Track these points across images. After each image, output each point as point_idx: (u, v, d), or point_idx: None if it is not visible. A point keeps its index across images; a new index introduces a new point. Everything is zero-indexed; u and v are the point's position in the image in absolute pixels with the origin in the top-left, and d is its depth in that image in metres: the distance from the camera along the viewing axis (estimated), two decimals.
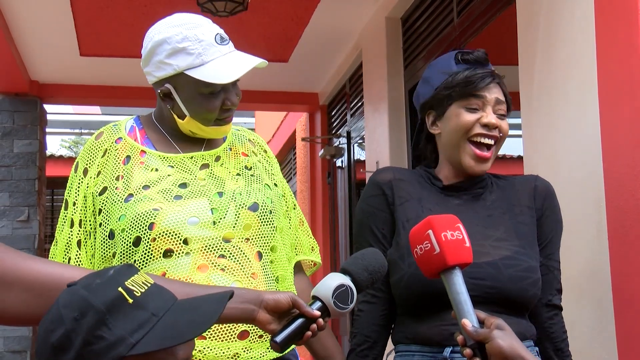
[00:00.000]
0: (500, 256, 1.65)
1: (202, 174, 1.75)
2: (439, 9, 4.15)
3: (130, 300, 1.11)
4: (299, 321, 1.43)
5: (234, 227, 1.69)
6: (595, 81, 2.29)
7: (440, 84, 1.73)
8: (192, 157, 1.77)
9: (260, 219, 1.73)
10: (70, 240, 1.74)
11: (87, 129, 11.48)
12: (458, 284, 1.45)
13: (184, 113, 1.74)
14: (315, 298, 1.46)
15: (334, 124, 6.66)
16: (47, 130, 6.62)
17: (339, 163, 6.46)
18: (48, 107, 6.62)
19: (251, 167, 1.83)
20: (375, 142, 4.97)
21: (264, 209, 1.74)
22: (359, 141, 5.93)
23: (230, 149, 1.85)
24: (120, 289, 1.12)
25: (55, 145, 13.10)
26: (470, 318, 1.43)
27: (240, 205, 1.72)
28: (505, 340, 1.38)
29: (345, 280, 1.46)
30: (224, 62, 1.69)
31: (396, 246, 1.72)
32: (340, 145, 6.33)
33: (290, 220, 1.90)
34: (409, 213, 1.73)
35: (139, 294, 1.13)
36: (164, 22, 1.75)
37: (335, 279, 1.46)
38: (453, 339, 1.62)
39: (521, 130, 2.85)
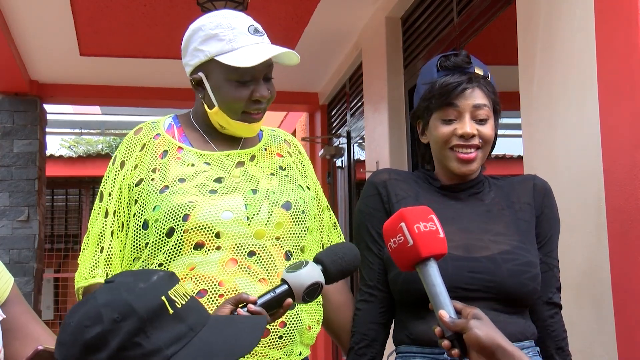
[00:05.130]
0: (499, 250, 1.66)
1: (237, 172, 1.77)
2: (439, 9, 4.15)
3: (171, 311, 1.11)
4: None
5: (266, 224, 1.70)
6: (595, 81, 2.29)
7: (423, 94, 1.76)
8: (228, 155, 1.79)
9: (293, 218, 1.75)
10: (104, 230, 1.75)
11: (87, 128, 11.45)
12: (433, 276, 1.44)
13: (213, 103, 1.75)
14: (284, 282, 1.48)
15: (334, 124, 6.67)
16: (47, 130, 6.63)
17: (339, 163, 6.47)
18: (48, 107, 6.63)
19: (285, 168, 1.85)
20: (375, 141, 4.97)
21: (296, 208, 1.76)
22: (359, 141, 5.93)
23: (266, 149, 1.86)
24: (163, 297, 1.11)
25: (55, 145, 13.10)
26: (447, 309, 1.42)
27: (273, 203, 1.73)
28: (482, 330, 1.37)
29: (321, 278, 1.49)
30: (253, 50, 1.71)
31: None
32: (340, 145, 6.33)
33: (322, 222, 1.90)
34: None
35: (180, 305, 1.13)
36: (205, 15, 1.80)
37: (313, 276, 1.48)
38: None
39: (521, 130, 2.85)
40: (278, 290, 1.47)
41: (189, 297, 1.17)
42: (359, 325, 1.76)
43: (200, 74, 1.76)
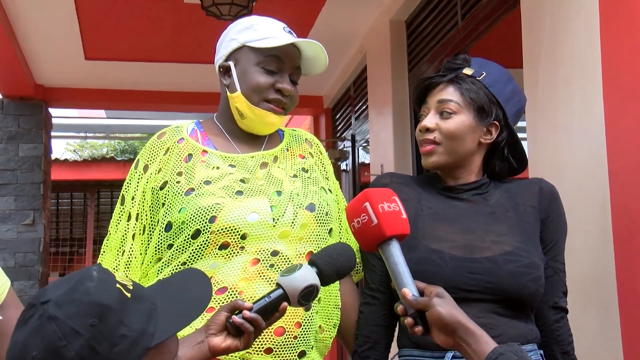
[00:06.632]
0: (500, 251, 1.65)
1: (260, 174, 1.78)
2: (443, 12, 4.15)
3: (129, 295, 1.11)
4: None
5: (291, 225, 1.71)
6: (600, 83, 2.29)
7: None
8: (252, 157, 1.82)
9: (317, 220, 1.76)
10: (126, 234, 1.77)
11: (92, 132, 11.50)
12: (396, 255, 1.47)
13: (236, 87, 1.79)
14: (279, 286, 1.48)
15: (339, 127, 6.67)
16: (52, 133, 6.65)
17: (343, 166, 6.47)
18: (53, 111, 6.65)
19: (308, 170, 1.86)
20: (380, 145, 4.97)
21: (320, 210, 1.77)
22: (364, 144, 5.93)
23: (287, 150, 1.89)
24: (118, 285, 1.11)
25: (60, 148, 13.13)
26: (410, 288, 1.44)
27: (297, 205, 1.74)
28: (444, 307, 1.39)
29: (317, 280, 1.49)
30: (283, 38, 1.79)
31: None
32: (344, 149, 6.33)
33: (340, 222, 1.91)
34: (408, 211, 1.73)
35: (131, 287, 1.13)
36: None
37: (308, 279, 1.47)
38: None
39: (525, 132, 2.84)
40: (273, 295, 1.47)
41: (129, 278, 1.17)
42: (362, 328, 1.76)
43: (230, 62, 1.80)
